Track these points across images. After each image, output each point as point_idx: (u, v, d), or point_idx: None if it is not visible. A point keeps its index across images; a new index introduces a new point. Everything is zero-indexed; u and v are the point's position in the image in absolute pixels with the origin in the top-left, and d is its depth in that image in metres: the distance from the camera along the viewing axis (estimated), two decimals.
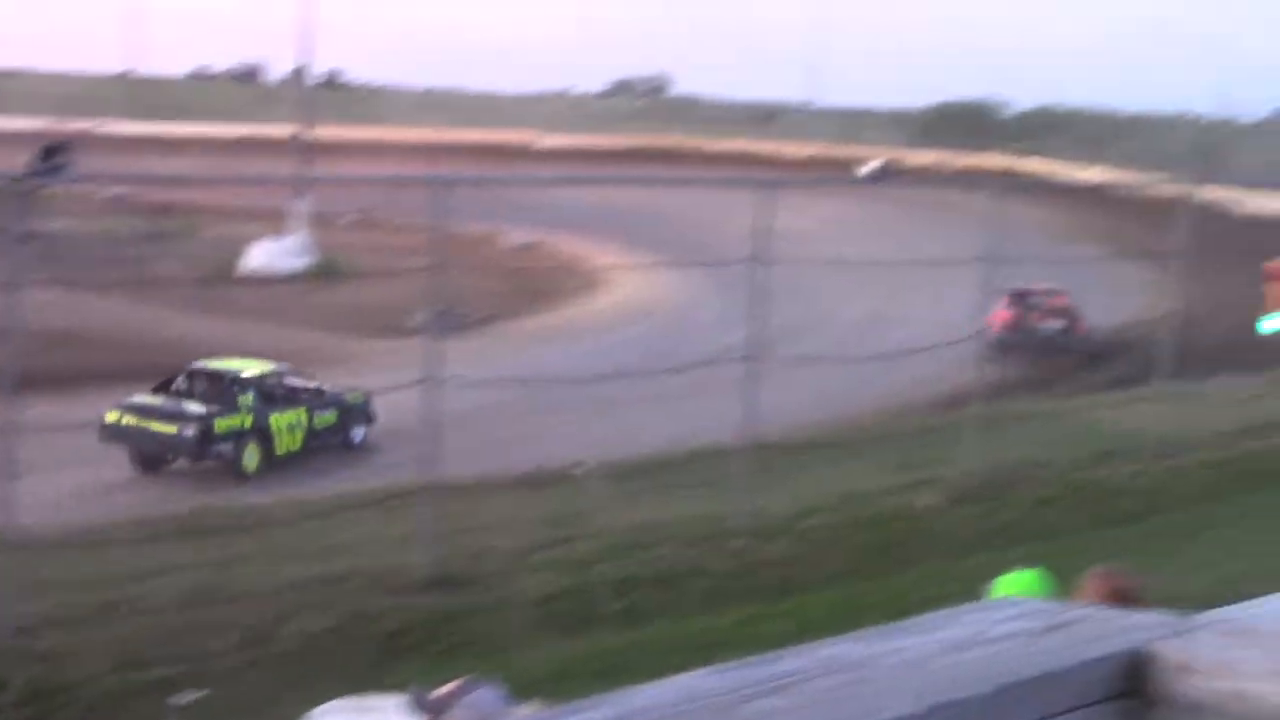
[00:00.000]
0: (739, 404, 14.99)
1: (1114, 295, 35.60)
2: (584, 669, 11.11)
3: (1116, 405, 20.44)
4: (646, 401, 23.50)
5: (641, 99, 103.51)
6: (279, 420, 21.31)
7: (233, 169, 47.48)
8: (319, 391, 22.41)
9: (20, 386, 11.66)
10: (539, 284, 41.69)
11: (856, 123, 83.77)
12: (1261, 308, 21.17)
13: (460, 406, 19.08)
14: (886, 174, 68.30)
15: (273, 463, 21.01)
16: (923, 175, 70.23)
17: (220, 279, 39.77)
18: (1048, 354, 32.93)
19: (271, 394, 21.77)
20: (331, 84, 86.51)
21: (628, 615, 12.12)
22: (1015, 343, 33.40)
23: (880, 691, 1.37)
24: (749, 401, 14.90)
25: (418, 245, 16.67)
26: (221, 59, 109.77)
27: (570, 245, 48.98)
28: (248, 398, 21.24)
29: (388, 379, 17.57)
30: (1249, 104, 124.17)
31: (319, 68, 64.61)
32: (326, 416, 21.98)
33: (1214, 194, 44.97)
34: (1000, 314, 34.23)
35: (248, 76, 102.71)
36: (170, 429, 20.34)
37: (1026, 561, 6.69)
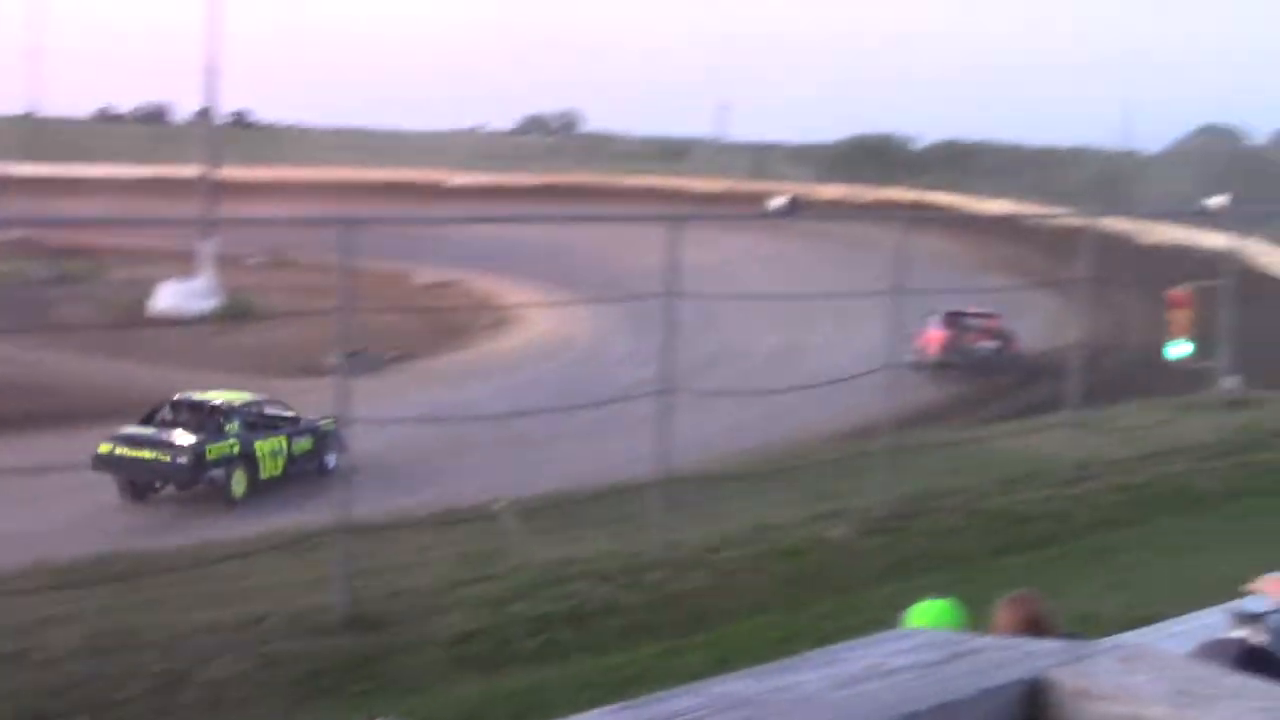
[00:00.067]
0: (653, 438, 15.00)
1: (1024, 324, 36.07)
2: (500, 707, 11.05)
3: (1025, 433, 20.64)
4: (561, 438, 23.47)
5: (552, 136, 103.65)
6: (263, 447, 22.51)
7: (140, 210, 47.01)
8: (294, 419, 23.49)
9: None
10: (452, 322, 41.58)
11: (766, 157, 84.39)
12: (1167, 334, 21.48)
13: (372, 446, 19.04)
14: (795, 208, 68.79)
15: (257, 488, 22.08)
16: (832, 209, 70.81)
17: (130, 321, 39.32)
18: (985, 373, 33.68)
19: (254, 422, 22.96)
20: (240, 123, 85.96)
21: (544, 652, 12.06)
22: (952, 362, 34.14)
23: None
24: (663, 435, 14.92)
25: (328, 285, 16.56)
26: (127, 99, 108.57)
27: (483, 283, 48.87)
28: (233, 425, 22.45)
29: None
30: (1149, 137, 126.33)
31: (227, 107, 64.23)
32: (303, 443, 23.03)
33: (1118, 224, 45.68)
34: (936, 335, 34.95)
35: (154, 117, 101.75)
36: (164, 457, 21.51)
37: (939, 590, 6.74)
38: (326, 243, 14.22)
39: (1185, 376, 22.97)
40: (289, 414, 23.77)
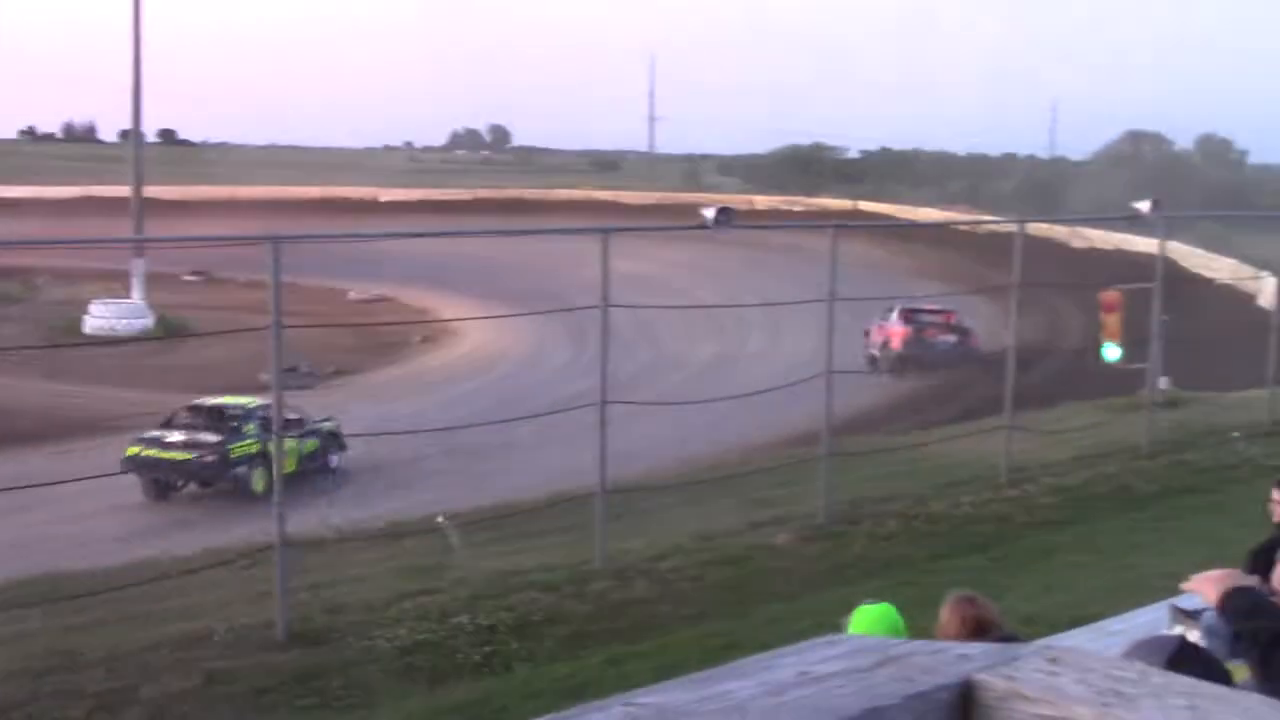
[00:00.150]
0: (593, 449, 15.02)
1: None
2: (447, 719, 11.04)
3: (963, 437, 20.79)
4: (501, 450, 23.48)
5: (483, 151, 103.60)
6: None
7: (69, 230, 46.54)
8: (300, 421, 23.97)
9: None
10: (387, 337, 41.46)
11: (698, 168, 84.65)
12: (1101, 336, 21.70)
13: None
14: (728, 218, 68.97)
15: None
16: (765, 218, 71.09)
17: (65, 341, 38.99)
18: (946, 366, 33.94)
19: (267, 423, 22.68)
20: (171, 141, 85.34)
21: (490, 663, 12.04)
22: (914, 357, 34.37)
23: None
24: (603, 446, 14.93)
25: (261, 302, 16.49)
26: (52, 119, 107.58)
27: (418, 298, 48.79)
28: (251, 426, 23.81)
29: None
30: (1077, 144, 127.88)
31: (157, 125, 63.72)
32: (311, 443, 24.10)
33: (1049, 229, 46.15)
34: (898, 330, 35.22)
35: (82, 136, 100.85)
36: (189, 456, 23.38)
37: (880, 594, 6.78)
38: (259, 260, 14.11)
39: (1118, 378, 23.20)
40: (295, 416, 23.92)
